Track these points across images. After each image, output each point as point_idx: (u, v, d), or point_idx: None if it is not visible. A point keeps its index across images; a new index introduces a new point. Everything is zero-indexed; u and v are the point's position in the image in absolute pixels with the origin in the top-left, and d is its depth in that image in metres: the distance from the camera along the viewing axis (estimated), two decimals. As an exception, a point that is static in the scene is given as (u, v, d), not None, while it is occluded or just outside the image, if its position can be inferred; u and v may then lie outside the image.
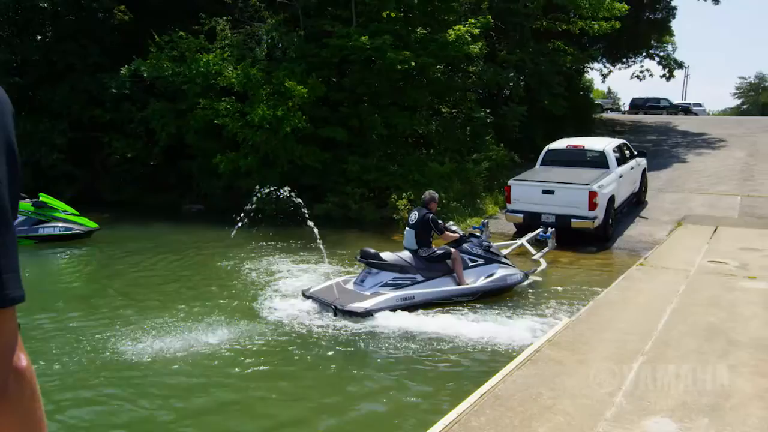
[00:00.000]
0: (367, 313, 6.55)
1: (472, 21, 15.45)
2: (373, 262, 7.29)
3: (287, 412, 4.68)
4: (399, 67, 13.95)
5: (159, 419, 4.53)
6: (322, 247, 8.19)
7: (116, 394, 4.87)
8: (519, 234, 11.09)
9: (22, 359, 0.82)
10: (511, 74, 17.49)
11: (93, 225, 11.23)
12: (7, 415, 0.79)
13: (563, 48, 18.37)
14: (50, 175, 15.17)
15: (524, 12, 17.74)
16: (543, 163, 12.36)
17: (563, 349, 4.58)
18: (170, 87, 14.53)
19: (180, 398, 4.88)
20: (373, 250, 7.39)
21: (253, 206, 8.87)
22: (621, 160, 12.11)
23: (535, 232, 10.17)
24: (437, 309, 7.03)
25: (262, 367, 5.45)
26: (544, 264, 9.20)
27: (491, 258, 7.91)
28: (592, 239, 10.97)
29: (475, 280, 7.63)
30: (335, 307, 6.67)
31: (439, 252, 7.58)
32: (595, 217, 10.58)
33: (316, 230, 7.73)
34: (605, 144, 12.31)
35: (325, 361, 5.62)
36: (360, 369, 5.44)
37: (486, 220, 11.37)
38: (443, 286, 7.40)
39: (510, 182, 11.64)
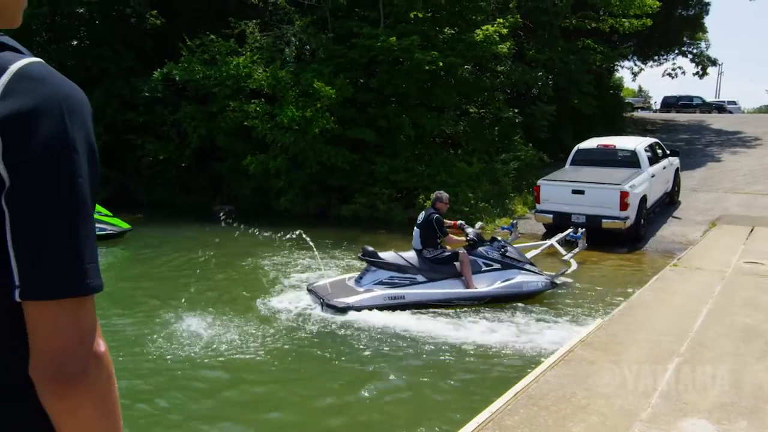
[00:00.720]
0: (348, 309, 6.71)
1: (500, 20, 15.37)
2: (371, 260, 7.33)
3: (306, 412, 4.73)
4: (426, 67, 13.96)
5: (184, 415, 4.62)
6: (316, 252, 8.60)
7: (137, 387, 4.98)
8: (549, 234, 10.98)
9: (101, 345, 0.87)
10: (540, 73, 17.35)
11: (125, 225, 11.47)
12: (88, 395, 0.84)
13: (593, 46, 18.14)
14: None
15: (553, 10, 17.58)
16: (573, 163, 12.23)
17: (596, 349, 4.54)
18: (201, 90, 14.76)
19: (208, 394, 4.97)
20: (371, 248, 7.45)
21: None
22: (653, 160, 11.92)
23: (565, 233, 10.06)
24: (467, 312, 7.01)
25: (273, 368, 5.50)
26: (574, 265, 9.10)
27: (509, 263, 7.62)
28: (624, 240, 10.82)
29: (489, 284, 7.37)
30: (322, 301, 6.86)
31: (445, 254, 7.41)
32: (626, 218, 10.43)
33: (309, 239, 8.22)
34: (637, 143, 12.13)
35: (344, 360, 5.66)
36: (383, 369, 5.45)
37: (515, 221, 11.32)
38: (447, 288, 7.24)
39: (539, 182, 11.55)
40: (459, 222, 8.13)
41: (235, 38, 15.24)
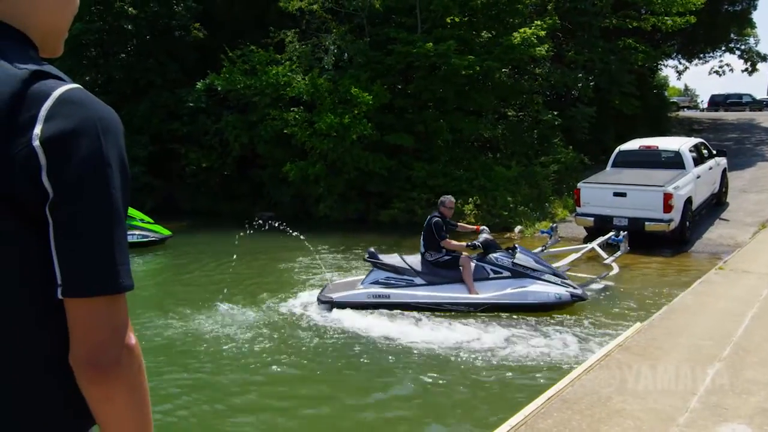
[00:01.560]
0: (329, 303, 7.17)
1: (538, 22, 15.25)
2: (372, 261, 7.58)
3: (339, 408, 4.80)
4: (464, 72, 13.95)
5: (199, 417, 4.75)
6: (318, 259, 9.08)
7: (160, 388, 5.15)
8: (590, 238, 10.83)
9: (132, 337, 0.97)
10: (580, 75, 17.10)
11: (166, 232, 11.80)
12: (121, 383, 0.94)
13: (634, 46, 17.76)
14: (133, 186, 16.01)
15: (592, 11, 17.31)
16: (614, 165, 12.03)
17: (634, 353, 4.47)
18: (242, 99, 15.11)
19: (237, 396, 5.10)
20: (373, 250, 7.71)
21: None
22: (698, 160, 11.60)
23: (607, 236, 9.90)
24: (501, 315, 6.98)
25: (292, 371, 5.60)
26: (616, 268, 8.96)
27: (520, 271, 7.25)
28: (669, 242, 10.56)
29: (495, 292, 7.17)
30: (318, 296, 7.42)
31: (445, 258, 7.36)
32: (670, 220, 10.19)
33: (309, 245, 8.69)
34: (681, 143, 11.83)
35: (365, 364, 5.72)
36: (411, 374, 5.48)
37: (555, 224, 11.19)
38: (444, 293, 7.22)
39: (579, 185, 11.39)
40: (481, 227, 7.97)
41: (275, 48, 15.54)
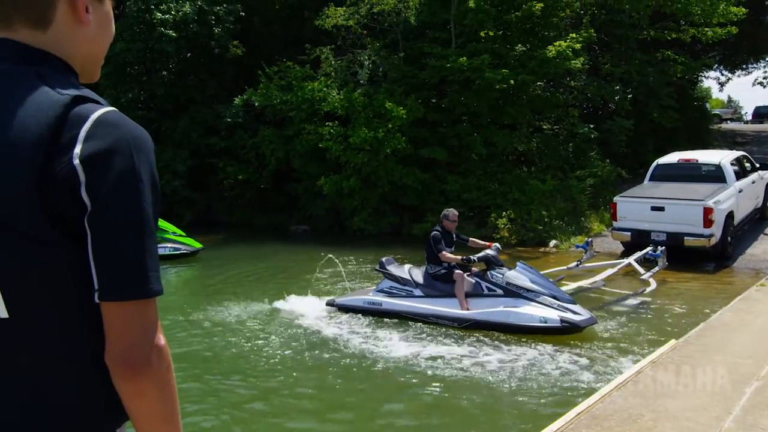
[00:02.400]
0: (331, 304, 7.91)
1: (573, 35, 15.14)
2: (381, 271, 7.97)
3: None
4: (497, 86, 13.93)
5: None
6: (342, 271, 9.28)
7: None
8: (627, 253, 10.64)
9: (162, 338, 1.06)
10: (617, 87, 16.88)
11: (197, 245, 11.99)
12: (151, 380, 1.03)
13: (673, 57, 17.45)
14: (172, 200, 16.50)
15: (629, 23, 17.10)
16: (652, 179, 11.82)
17: (668, 370, 4.38)
18: (279, 114, 15.39)
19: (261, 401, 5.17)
20: (383, 259, 8.03)
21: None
22: (740, 174, 11.31)
23: (644, 251, 9.72)
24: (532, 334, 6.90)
25: (310, 381, 5.65)
26: (653, 284, 8.76)
27: (512, 290, 6.98)
28: (709, 258, 10.30)
29: (483, 309, 7.02)
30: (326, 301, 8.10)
31: (441, 272, 7.36)
32: (711, 235, 9.94)
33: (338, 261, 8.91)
34: (722, 157, 11.55)
35: (382, 374, 5.72)
36: (437, 389, 5.46)
37: (590, 239, 11.02)
38: (435, 306, 7.25)
39: (615, 199, 11.23)
40: (493, 244, 7.58)
41: (311, 64, 15.81)
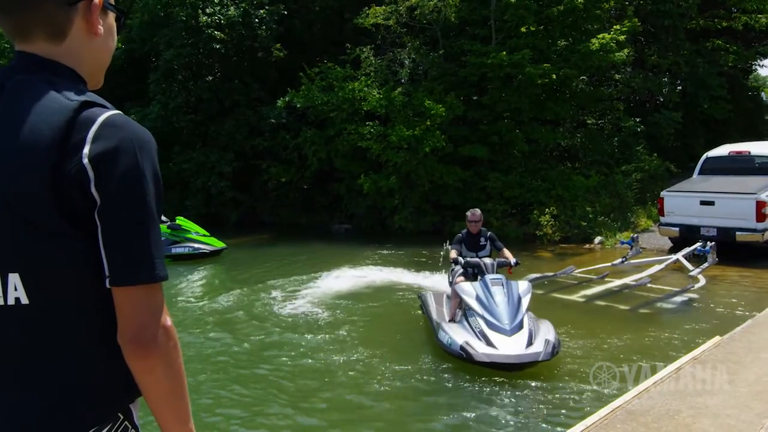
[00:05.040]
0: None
1: (617, 27, 14.79)
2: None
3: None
4: (539, 81, 13.73)
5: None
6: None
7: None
8: (675, 249, 10.36)
9: (168, 320, 1.15)
10: (664, 79, 16.40)
11: (220, 245, 12.09)
12: (159, 357, 1.12)
13: (724, 46, 16.83)
14: (219, 201, 16.90)
15: (677, 12, 16.58)
16: (701, 172, 11.46)
17: (710, 367, 4.26)
18: (320, 115, 15.58)
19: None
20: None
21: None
22: (796, 166, 10.84)
23: (693, 247, 9.46)
24: (568, 324, 6.81)
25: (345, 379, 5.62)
26: (702, 281, 8.51)
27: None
28: (763, 254, 9.92)
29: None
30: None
31: (451, 279, 6.76)
32: (764, 230, 9.59)
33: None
34: (776, 148, 11.12)
35: (423, 383, 5.67)
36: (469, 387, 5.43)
37: (636, 235, 10.80)
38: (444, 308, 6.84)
39: (663, 194, 10.96)
40: (514, 261, 6.62)
41: (351, 64, 15.95)
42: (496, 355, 5.20)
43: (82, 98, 1.11)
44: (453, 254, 6.57)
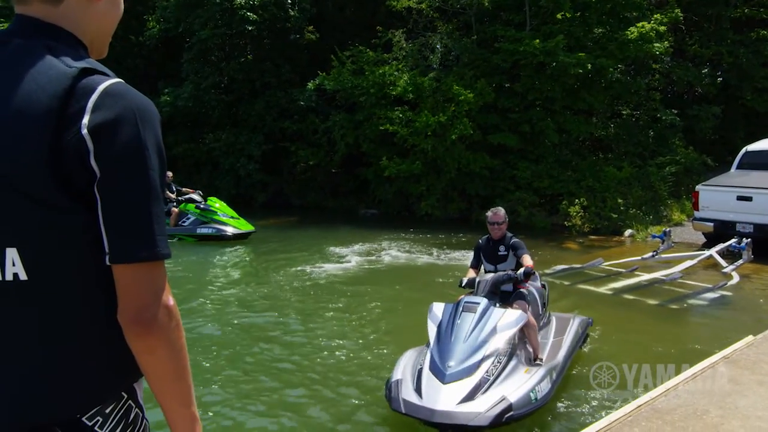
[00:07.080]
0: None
1: (658, 16, 14.34)
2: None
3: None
4: (572, 71, 13.39)
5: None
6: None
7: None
8: (708, 244, 10.09)
9: (170, 299, 1.11)
10: (705, 70, 15.89)
11: (249, 227, 11.99)
12: (160, 337, 1.08)
13: (770, 36, 16.23)
14: (248, 182, 17.00)
15: (721, 0, 16.00)
16: (739, 167, 11.11)
17: (741, 367, 4.13)
18: (350, 99, 15.50)
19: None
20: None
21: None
22: (840, 163, 10.44)
23: (727, 243, 9.20)
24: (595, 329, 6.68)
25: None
26: (736, 278, 8.27)
27: None
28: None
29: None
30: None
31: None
32: (804, 228, 9.27)
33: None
34: (819, 143, 10.72)
35: None
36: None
37: (668, 229, 10.53)
38: None
39: (698, 187, 10.66)
40: (522, 271, 5.13)
41: (382, 48, 15.80)
42: (413, 405, 3.95)
43: (82, 65, 1.06)
44: (470, 273, 5.34)
